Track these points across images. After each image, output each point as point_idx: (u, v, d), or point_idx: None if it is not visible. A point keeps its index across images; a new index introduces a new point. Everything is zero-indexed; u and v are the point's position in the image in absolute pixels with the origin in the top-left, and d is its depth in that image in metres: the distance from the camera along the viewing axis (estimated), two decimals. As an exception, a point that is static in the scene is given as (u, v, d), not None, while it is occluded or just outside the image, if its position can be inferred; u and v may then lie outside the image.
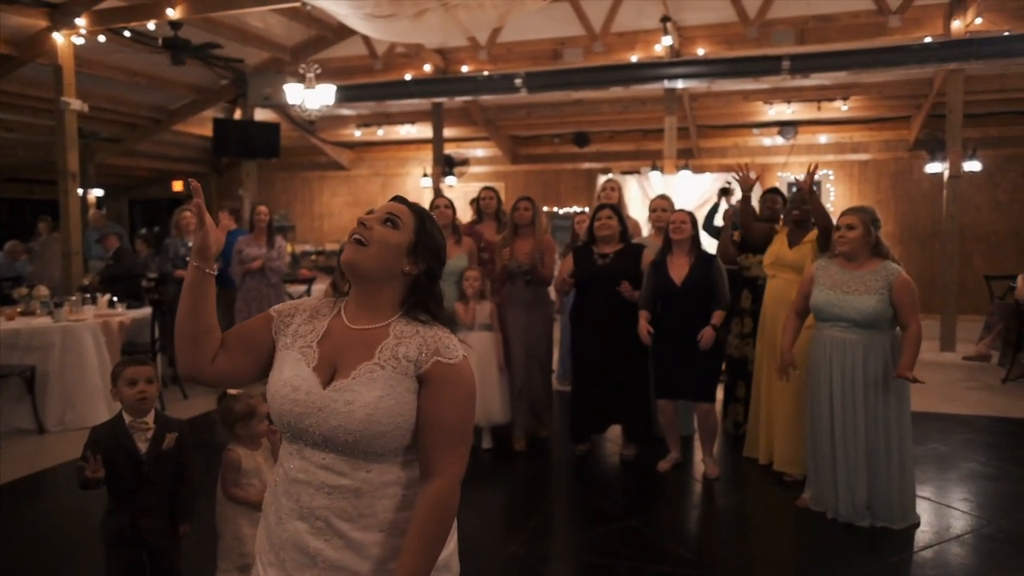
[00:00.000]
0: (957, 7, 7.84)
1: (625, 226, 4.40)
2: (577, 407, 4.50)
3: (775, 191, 4.96)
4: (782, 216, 4.51)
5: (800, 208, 4.17)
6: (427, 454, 1.44)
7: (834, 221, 3.77)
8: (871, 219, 3.40)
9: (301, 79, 7.49)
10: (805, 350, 3.78)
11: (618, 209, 4.43)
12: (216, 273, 1.49)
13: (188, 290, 1.48)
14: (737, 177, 4.44)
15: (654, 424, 4.49)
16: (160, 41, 8.04)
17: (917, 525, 3.53)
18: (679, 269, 4.10)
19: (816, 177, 3.88)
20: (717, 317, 4.05)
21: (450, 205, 4.85)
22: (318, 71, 7.37)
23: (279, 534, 1.47)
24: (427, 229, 1.52)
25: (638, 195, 8.69)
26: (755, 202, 4.98)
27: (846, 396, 3.45)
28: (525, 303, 4.71)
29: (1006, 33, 7.68)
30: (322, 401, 1.42)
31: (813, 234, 4.08)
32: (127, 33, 7.87)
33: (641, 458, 4.46)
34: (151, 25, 7.61)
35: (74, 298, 5.90)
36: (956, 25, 7.86)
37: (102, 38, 7.71)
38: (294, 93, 7.43)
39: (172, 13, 7.12)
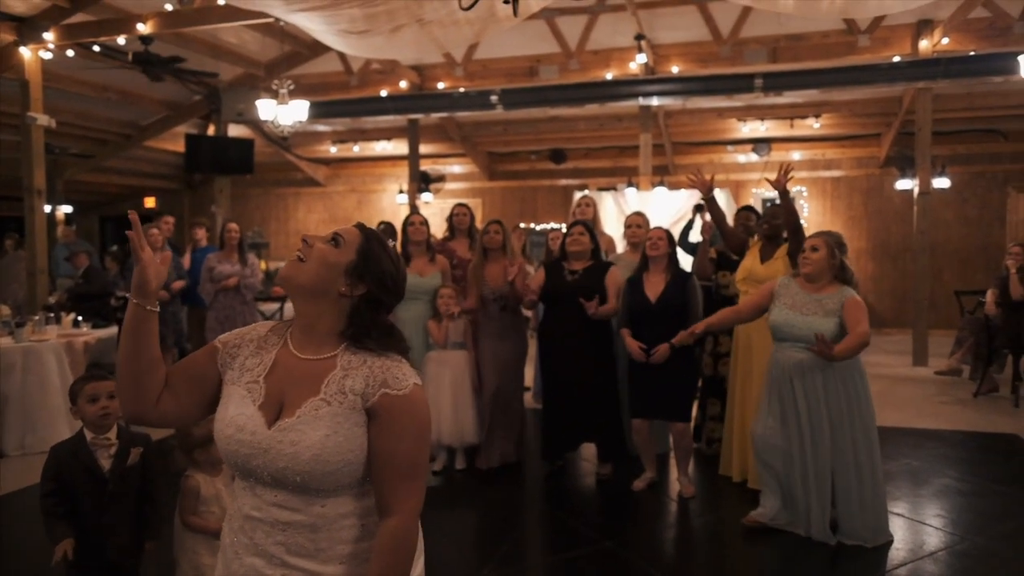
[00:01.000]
0: (924, 27, 8.00)
1: (597, 243, 4.37)
2: (548, 424, 4.43)
3: (749, 208, 5.00)
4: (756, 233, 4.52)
5: (770, 223, 4.19)
6: (380, 490, 1.39)
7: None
8: (836, 243, 3.42)
9: (274, 95, 7.42)
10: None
11: (590, 226, 4.39)
12: (158, 309, 1.42)
13: (128, 329, 1.40)
14: (693, 180, 4.42)
15: (628, 441, 4.44)
16: (130, 56, 7.93)
17: (891, 543, 3.50)
18: (655, 287, 4.08)
19: (789, 183, 3.91)
20: (679, 338, 3.94)
21: (425, 222, 4.79)
22: (291, 87, 7.31)
23: (236, 570, 1.42)
24: (373, 252, 1.45)
25: (614, 212, 8.71)
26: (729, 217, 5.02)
27: (813, 417, 3.43)
28: (499, 331, 4.56)
29: (972, 53, 7.84)
30: (268, 442, 1.36)
31: (784, 249, 4.09)
32: (96, 48, 7.76)
33: (616, 477, 4.40)
34: (121, 40, 7.51)
35: (37, 317, 5.74)
36: (924, 45, 8.01)
37: (71, 52, 7.59)
38: (267, 109, 7.36)
39: (143, 28, 7.03)
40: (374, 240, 1.47)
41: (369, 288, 1.44)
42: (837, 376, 3.40)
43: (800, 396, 3.44)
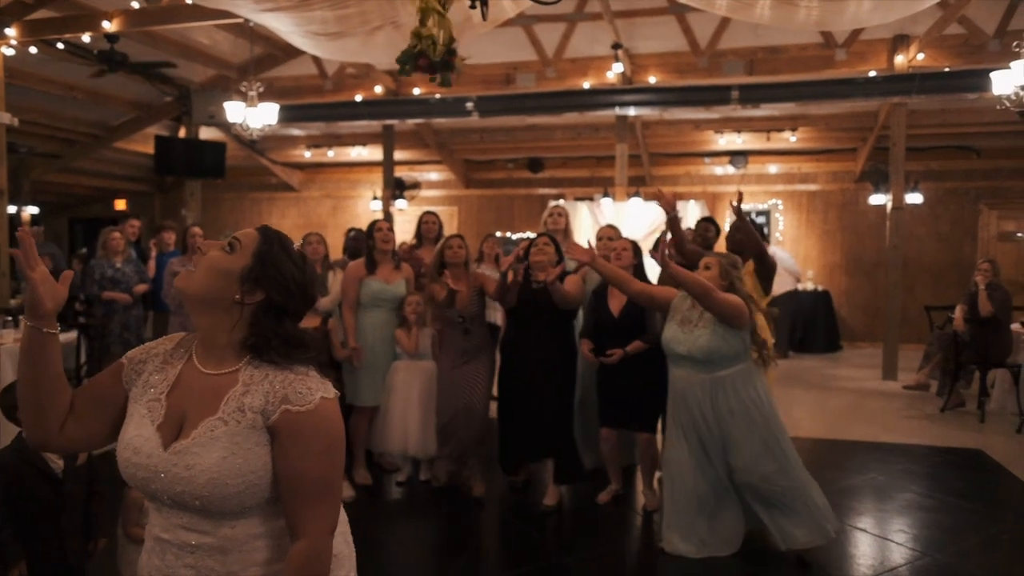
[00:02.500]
0: (900, 43, 8.05)
1: (561, 256, 4.18)
2: (505, 434, 4.25)
3: (708, 219, 4.98)
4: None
5: (733, 238, 4.15)
6: (287, 512, 1.30)
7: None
8: (730, 264, 3.40)
9: (244, 97, 7.30)
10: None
11: (555, 239, 4.25)
12: (56, 331, 1.32)
13: (24, 354, 1.30)
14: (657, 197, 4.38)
15: (586, 460, 4.34)
16: (96, 54, 7.77)
17: (849, 553, 3.45)
18: (618, 299, 4.01)
19: (757, 205, 3.92)
20: (633, 346, 3.92)
21: (391, 229, 4.68)
22: (260, 89, 7.20)
23: None
24: (272, 255, 1.35)
25: (589, 222, 8.67)
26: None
27: (707, 432, 3.38)
28: (461, 352, 4.22)
29: (947, 69, 7.90)
30: (163, 465, 1.27)
31: (750, 266, 4.06)
32: (61, 45, 7.59)
33: (581, 490, 4.31)
34: (87, 38, 7.35)
35: (9, 319, 5.58)
36: (899, 60, 8.06)
37: (34, 49, 7.41)
38: (235, 111, 7.24)
39: (108, 26, 6.88)
40: (274, 243, 1.37)
41: (268, 294, 1.34)
42: (728, 393, 3.33)
43: (696, 413, 3.39)
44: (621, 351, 3.89)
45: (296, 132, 10.53)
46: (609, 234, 4.63)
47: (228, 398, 1.30)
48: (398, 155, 10.35)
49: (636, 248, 4.13)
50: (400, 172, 10.66)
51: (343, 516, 1.53)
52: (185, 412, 1.32)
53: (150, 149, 10.21)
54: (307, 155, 11.60)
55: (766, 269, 4.21)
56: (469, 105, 8.71)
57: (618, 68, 8.35)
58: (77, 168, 11.19)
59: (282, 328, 1.34)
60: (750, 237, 4.07)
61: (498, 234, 11.12)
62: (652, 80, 8.76)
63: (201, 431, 1.28)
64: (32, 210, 11.11)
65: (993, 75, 5.90)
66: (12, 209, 10.68)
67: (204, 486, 1.25)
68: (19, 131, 7.74)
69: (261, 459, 1.28)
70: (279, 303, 1.35)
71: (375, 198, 10.84)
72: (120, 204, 12.47)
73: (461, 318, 4.20)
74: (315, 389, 1.30)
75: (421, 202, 10.91)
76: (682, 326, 3.39)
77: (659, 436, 3.99)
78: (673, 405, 3.50)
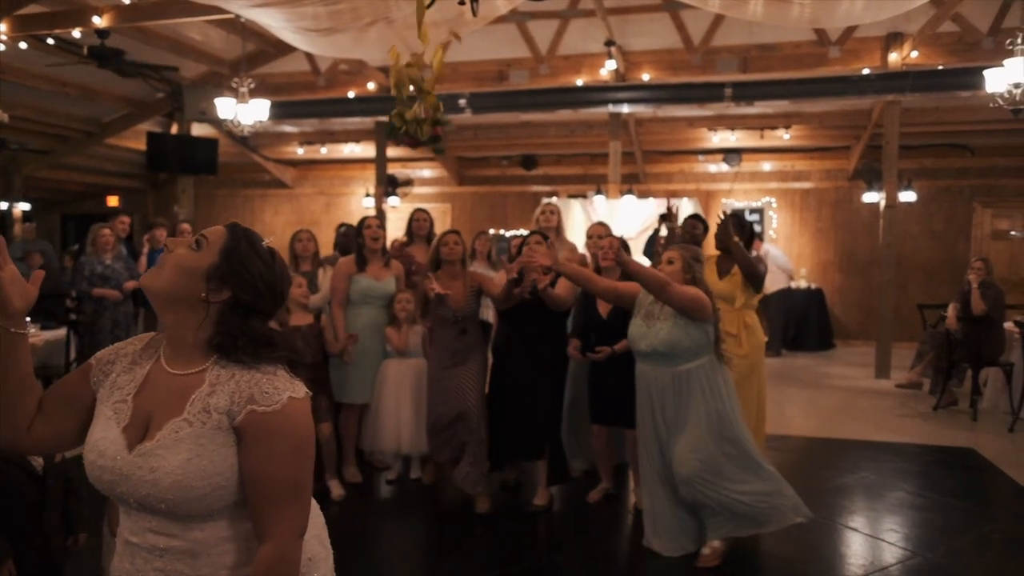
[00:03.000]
0: (894, 40, 8.05)
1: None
2: (496, 433, 4.17)
3: (696, 217, 4.99)
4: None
5: (720, 237, 4.14)
6: (253, 514, 1.27)
7: (779, 251, 3.77)
8: (693, 257, 3.38)
9: (235, 93, 7.26)
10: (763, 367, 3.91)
11: (548, 237, 4.21)
12: (24, 331, 1.29)
13: None
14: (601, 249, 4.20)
15: (575, 461, 4.33)
16: (86, 50, 7.72)
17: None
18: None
19: (751, 202, 3.92)
20: (621, 345, 3.87)
21: (381, 226, 4.65)
22: (252, 85, 7.15)
23: None
24: (239, 252, 1.32)
25: (582, 219, 8.63)
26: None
27: (668, 431, 3.36)
28: (452, 352, 4.09)
29: (940, 67, 7.90)
30: (128, 468, 1.25)
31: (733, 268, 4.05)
32: (51, 41, 7.54)
33: (572, 489, 4.29)
34: (77, 33, 7.30)
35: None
36: (893, 58, 8.06)
37: (23, 45, 7.36)
38: (226, 107, 7.19)
39: (99, 21, 6.84)
40: (241, 240, 1.34)
41: (234, 293, 1.31)
42: (691, 382, 3.30)
43: (657, 408, 3.38)
44: (609, 348, 3.87)
45: (289, 129, 10.48)
46: (599, 232, 4.59)
47: (194, 399, 1.27)
48: (391, 152, 10.31)
49: (623, 246, 4.10)
50: (393, 169, 10.62)
51: (319, 518, 1.50)
52: (152, 413, 1.29)
53: (142, 145, 10.17)
54: (300, 152, 11.55)
55: (757, 283, 4.18)
56: (462, 102, 8.67)
57: (611, 65, 8.33)
58: (69, 164, 11.12)
59: (249, 327, 1.31)
60: (749, 270, 4.05)
61: (491, 231, 11.13)
62: (646, 77, 8.75)
63: (166, 433, 1.26)
64: (24, 206, 11.04)
65: (986, 73, 5.90)
66: (3, 205, 10.65)
67: (169, 489, 1.23)
68: (10, 127, 7.70)
69: (227, 461, 1.25)
70: (246, 302, 1.32)
71: (368, 195, 10.80)
72: (113, 201, 12.39)
73: (456, 318, 4.08)
74: (282, 389, 1.27)
75: (414, 199, 10.87)
76: (646, 320, 3.38)
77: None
78: (639, 402, 3.49)
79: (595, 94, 8.57)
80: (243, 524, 1.31)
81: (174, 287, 1.30)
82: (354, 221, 7.16)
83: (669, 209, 6.69)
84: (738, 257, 4.03)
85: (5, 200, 10.70)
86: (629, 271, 3.30)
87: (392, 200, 10.17)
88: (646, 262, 5.88)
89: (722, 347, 3.38)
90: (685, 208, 8.45)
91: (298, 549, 1.30)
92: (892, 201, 8.04)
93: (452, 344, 4.09)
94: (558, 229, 5.24)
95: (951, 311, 6.46)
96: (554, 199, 8.92)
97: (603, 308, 3.99)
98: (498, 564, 3.50)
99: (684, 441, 3.29)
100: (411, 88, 4.33)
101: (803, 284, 10.03)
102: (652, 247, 6.19)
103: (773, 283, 9.15)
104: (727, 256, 4.17)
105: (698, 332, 3.26)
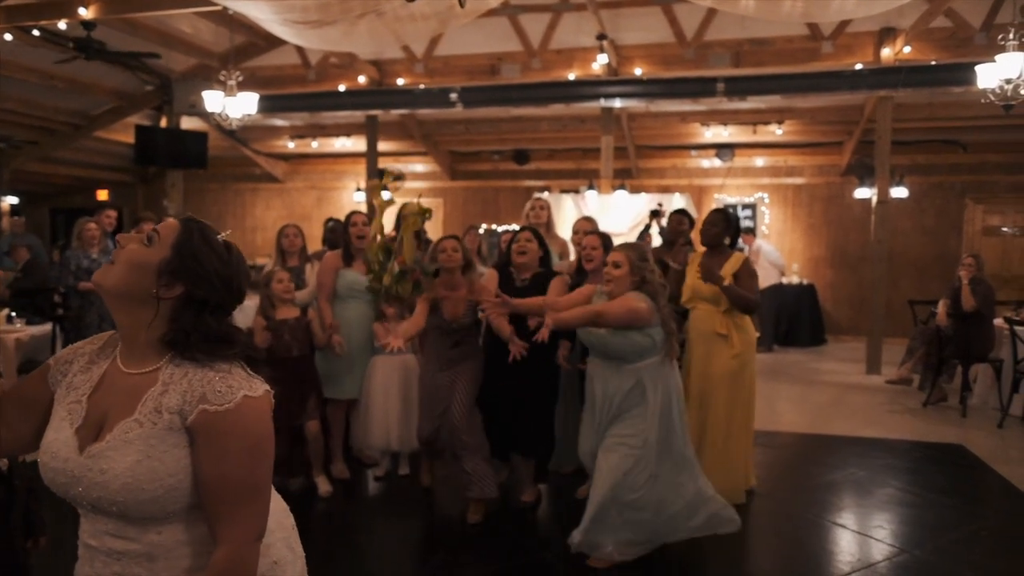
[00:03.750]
0: (887, 35, 8.02)
1: (547, 250, 4.07)
2: (489, 428, 4.06)
3: (682, 212, 4.93)
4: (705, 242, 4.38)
5: (708, 232, 4.09)
6: (208, 517, 1.24)
7: (771, 247, 3.72)
8: (639, 257, 3.25)
9: (223, 86, 7.19)
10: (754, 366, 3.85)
11: (538, 232, 4.10)
12: None
13: None
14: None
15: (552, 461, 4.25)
16: (72, 43, 7.63)
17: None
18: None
19: (743, 198, 3.85)
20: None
21: (367, 222, 4.60)
22: (239, 78, 7.08)
23: None
24: (192, 246, 1.28)
25: (573, 215, 8.58)
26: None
27: (601, 420, 3.32)
28: (446, 360, 3.87)
29: (933, 63, 7.87)
30: (79, 470, 1.22)
31: (728, 270, 3.98)
32: (36, 32, 7.45)
33: (561, 486, 4.25)
34: (62, 25, 7.21)
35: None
36: (886, 53, 8.03)
37: (9, 36, 7.28)
38: (214, 100, 7.12)
39: (84, 12, 6.75)
40: (194, 233, 1.30)
41: (187, 288, 1.27)
42: (636, 381, 3.23)
43: (600, 403, 3.33)
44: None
45: (279, 122, 10.41)
46: (585, 227, 4.55)
47: (146, 398, 1.24)
48: (383, 146, 10.26)
49: (607, 244, 4.00)
50: (385, 163, 10.55)
51: (288, 520, 1.47)
52: (106, 414, 1.26)
53: (131, 139, 10.08)
54: (291, 146, 11.48)
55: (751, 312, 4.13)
56: (453, 96, 8.62)
57: (603, 59, 8.28)
58: (58, 158, 11.03)
59: (204, 323, 1.27)
60: (737, 302, 3.95)
61: (484, 227, 11.09)
62: (638, 72, 8.70)
63: (116, 434, 1.22)
64: (12, 200, 10.94)
65: (978, 68, 5.87)
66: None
67: (119, 491, 1.20)
68: (-4, 120, 7.63)
69: (180, 462, 1.22)
70: (201, 297, 1.28)
71: (359, 189, 10.73)
72: (102, 195, 12.30)
73: (451, 328, 3.78)
74: (237, 388, 1.23)
75: (406, 194, 10.76)
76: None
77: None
78: (587, 393, 3.45)
79: (587, 88, 8.53)
80: (201, 527, 1.27)
81: (125, 283, 1.26)
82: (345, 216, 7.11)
83: (660, 205, 6.70)
84: (732, 299, 3.91)
85: (-9, 194, 10.61)
86: (559, 325, 3.15)
87: (384, 195, 10.09)
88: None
89: (674, 344, 3.29)
90: (677, 204, 8.43)
91: (254, 553, 1.26)
92: (884, 197, 8.03)
93: (445, 352, 3.86)
94: (548, 224, 5.22)
95: (941, 307, 6.46)
96: (545, 194, 8.86)
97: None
98: (487, 561, 3.48)
99: (616, 431, 3.24)
100: (380, 257, 4.23)
101: (795, 280, 10.03)
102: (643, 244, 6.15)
103: (764, 279, 9.12)
104: (713, 253, 4.08)
105: (641, 337, 3.17)
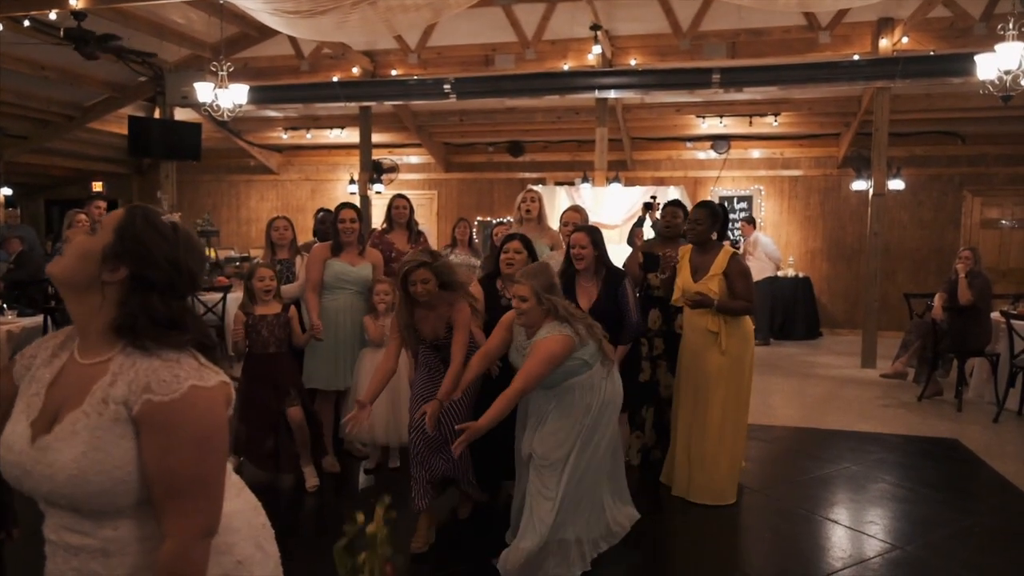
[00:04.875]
0: (885, 26, 7.94)
1: (535, 257, 3.80)
2: (480, 457, 3.77)
3: (676, 203, 4.72)
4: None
5: (695, 227, 4.00)
6: (155, 511, 1.22)
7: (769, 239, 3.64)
8: (543, 286, 3.04)
9: (215, 77, 7.13)
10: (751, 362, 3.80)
11: (528, 241, 3.83)
12: None
13: None
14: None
15: None
16: (62, 32, 7.54)
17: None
18: (587, 293, 3.85)
19: (739, 190, 3.76)
20: (619, 355, 3.73)
21: (355, 219, 4.53)
22: (230, 69, 7.01)
23: None
24: (134, 227, 1.27)
25: (566, 207, 8.54)
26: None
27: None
28: (434, 372, 3.55)
29: (932, 53, 7.80)
30: (29, 463, 1.21)
31: (717, 268, 3.91)
32: (27, 23, 7.37)
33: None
34: (53, 15, 7.13)
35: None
36: (884, 44, 7.95)
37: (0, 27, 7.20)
38: (205, 91, 7.06)
39: (74, 2, 6.67)
40: (137, 217, 1.29)
41: (131, 270, 1.25)
42: (567, 395, 3.13)
43: (532, 418, 3.21)
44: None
45: (273, 114, 10.34)
46: (574, 219, 4.47)
47: (95, 389, 1.22)
48: (377, 138, 10.18)
49: (595, 238, 3.89)
50: (379, 155, 10.50)
51: (259, 518, 1.43)
52: (61, 406, 1.25)
53: (125, 130, 10.01)
54: (285, 137, 11.41)
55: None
56: (447, 87, 8.54)
57: (598, 50, 8.20)
58: (52, 149, 10.97)
59: (150, 305, 1.24)
60: (730, 309, 3.88)
61: (479, 219, 11.03)
62: (633, 62, 8.63)
63: (64, 425, 1.21)
64: (6, 192, 10.87)
65: (977, 58, 5.80)
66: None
67: (66, 484, 1.18)
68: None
69: (127, 454, 1.19)
70: (147, 278, 1.26)
71: (352, 181, 10.67)
72: (97, 186, 12.22)
73: (434, 344, 3.45)
74: (184, 377, 1.20)
75: (400, 185, 10.73)
76: (518, 352, 3.18)
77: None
78: (518, 411, 3.29)
79: (582, 79, 8.45)
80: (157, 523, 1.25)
81: (72, 271, 1.27)
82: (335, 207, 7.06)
83: (653, 198, 6.63)
84: (727, 312, 3.84)
85: (-14, 186, 10.54)
86: (492, 419, 2.97)
87: (377, 187, 10.04)
88: (628, 251, 5.78)
89: (608, 348, 3.16)
90: (672, 196, 8.37)
91: (201, 549, 1.22)
92: (880, 189, 7.97)
93: (434, 363, 3.54)
94: (540, 216, 5.16)
95: (937, 301, 6.41)
96: (539, 187, 8.80)
97: (584, 301, 3.86)
98: (478, 553, 3.42)
99: (542, 448, 3.13)
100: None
101: (790, 273, 9.97)
102: (633, 237, 6.09)
103: (760, 272, 9.09)
104: (702, 250, 3.98)
105: (571, 362, 3.05)
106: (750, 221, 9.43)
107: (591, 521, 3.21)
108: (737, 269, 3.89)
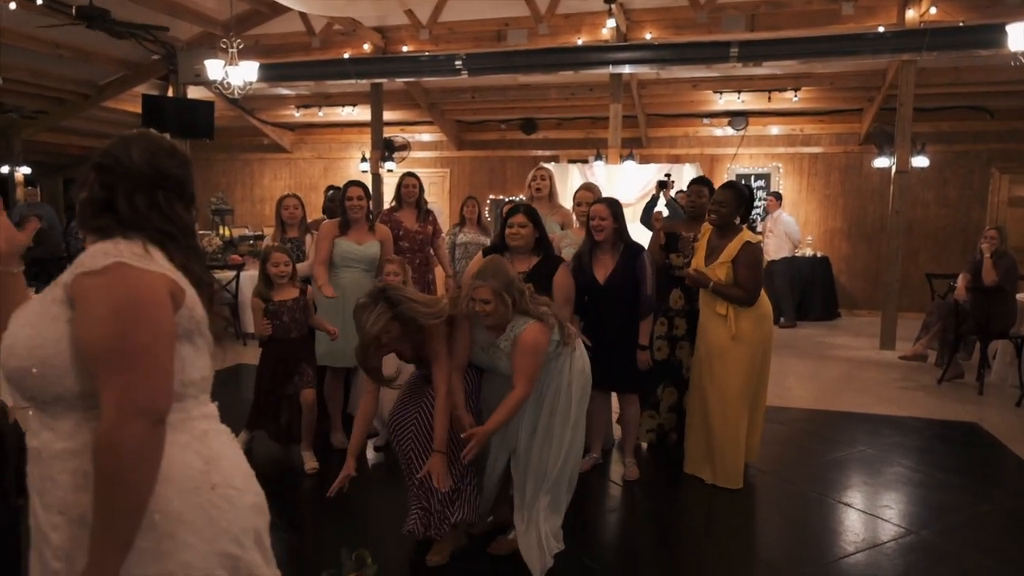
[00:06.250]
0: (912, -4, 7.67)
1: (543, 232, 3.69)
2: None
3: (701, 181, 4.52)
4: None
5: (718, 210, 3.87)
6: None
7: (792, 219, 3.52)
8: (503, 285, 2.90)
9: (225, 55, 7.07)
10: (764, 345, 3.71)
11: (535, 214, 3.67)
12: (16, 270, 1.43)
13: None
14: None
15: None
16: (74, 10, 7.52)
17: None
18: (604, 266, 3.82)
19: (757, 168, 3.62)
20: (644, 334, 3.77)
21: (363, 197, 4.48)
22: (240, 46, 6.95)
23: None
24: (112, 153, 1.33)
25: (579, 185, 8.42)
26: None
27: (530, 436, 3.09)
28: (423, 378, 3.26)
29: (960, 24, 7.52)
30: (3, 356, 1.26)
31: (728, 254, 3.80)
32: (39, 1, 7.34)
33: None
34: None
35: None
36: (910, 15, 7.68)
37: (13, 5, 7.18)
38: (215, 69, 7.00)
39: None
40: (120, 143, 1.37)
41: (98, 173, 1.32)
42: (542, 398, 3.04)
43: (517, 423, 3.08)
44: (644, 354, 3.84)
45: (285, 91, 10.27)
46: (587, 198, 4.35)
47: (59, 279, 1.26)
48: (388, 116, 10.09)
49: (616, 211, 3.85)
50: (391, 133, 10.40)
51: (222, 435, 1.37)
52: None
53: (140, 108, 10.01)
54: (297, 115, 11.35)
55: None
56: (458, 63, 8.40)
57: (612, 24, 8.01)
58: (69, 128, 11.04)
59: (113, 200, 1.30)
60: (728, 298, 3.80)
61: (491, 197, 10.94)
62: (648, 36, 8.43)
63: (18, 312, 1.26)
64: (25, 170, 10.97)
65: (1009, 28, 5.57)
66: (5, 169, 10.57)
67: (16, 371, 1.21)
68: (5, 89, 7.55)
69: (54, 334, 1.19)
70: (110, 175, 1.32)
71: (364, 159, 10.60)
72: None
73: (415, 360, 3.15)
74: (115, 254, 1.20)
75: (412, 163, 10.65)
76: (484, 352, 3.04)
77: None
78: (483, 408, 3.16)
79: (596, 54, 8.26)
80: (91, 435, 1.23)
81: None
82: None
83: (668, 176, 6.47)
84: (722, 297, 3.77)
85: (5, 164, 10.62)
86: (492, 430, 2.89)
87: (388, 165, 9.96)
88: (643, 231, 5.66)
89: (570, 329, 3.07)
90: (687, 174, 8.21)
91: (135, 428, 1.14)
92: (904, 166, 7.74)
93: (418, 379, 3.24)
94: (551, 194, 5.08)
95: (961, 281, 6.23)
96: (552, 164, 8.67)
97: (600, 274, 3.83)
98: (486, 533, 3.38)
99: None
100: None
101: (808, 252, 9.78)
102: (649, 215, 5.95)
103: (777, 250, 8.92)
104: (721, 233, 3.86)
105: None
106: (777, 196, 9.22)
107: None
108: (745, 258, 3.74)
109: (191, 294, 1.30)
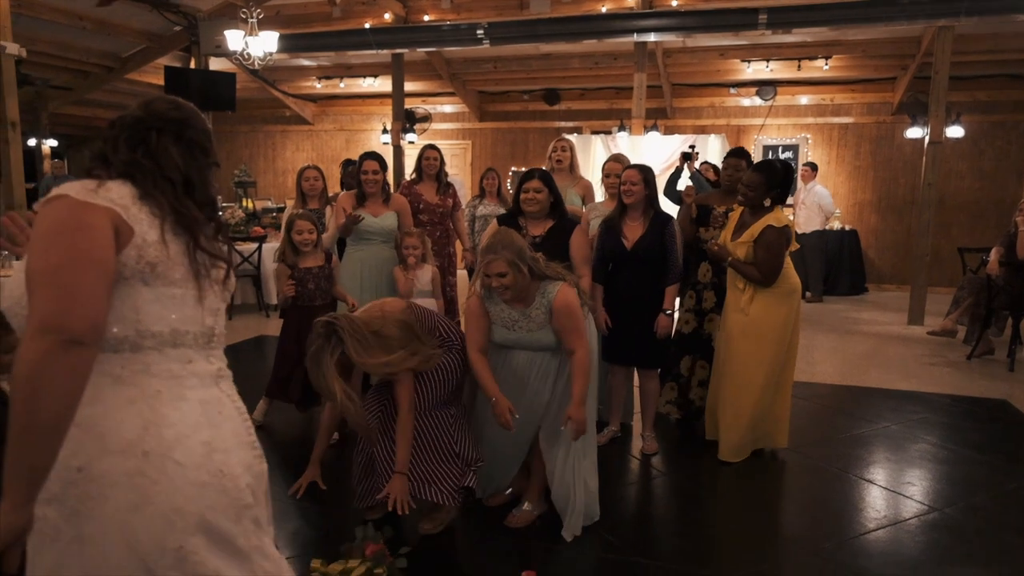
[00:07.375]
0: (950, -42, 7.37)
1: (558, 196, 3.69)
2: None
3: (739, 153, 4.32)
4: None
5: (748, 192, 3.78)
6: None
7: (826, 191, 3.46)
8: (515, 255, 2.86)
9: (245, 24, 7.03)
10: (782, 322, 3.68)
11: (549, 179, 3.67)
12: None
13: None
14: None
15: None
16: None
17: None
18: (632, 231, 3.81)
19: (785, 139, 3.52)
20: (669, 300, 3.76)
21: (378, 171, 4.45)
22: (260, 16, 6.90)
23: None
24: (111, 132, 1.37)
25: (602, 157, 8.29)
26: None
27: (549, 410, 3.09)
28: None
29: (1004, -15, 7.22)
30: None
31: (750, 235, 3.72)
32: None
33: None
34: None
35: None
36: (947, -21, 7.39)
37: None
38: (235, 39, 6.97)
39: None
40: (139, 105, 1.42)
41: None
42: (560, 363, 3.04)
43: (541, 391, 3.08)
44: (666, 318, 3.79)
45: (306, 62, 10.22)
46: (615, 169, 4.27)
47: None
48: (410, 87, 10.01)
49: (647, 176, 3.80)
50: (412, 104, 10.33)
51: (187, 402, 1.29)
52: None
53: (162, 81, 10.03)
54: (318, 86, 11.31)
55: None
56: (480, 32, 8.28)
57: (637, -10, 7.84)
58: (93, 100, 11.09)
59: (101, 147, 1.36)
60: (743, 274, 3.76)
61: (513, 169, 10.85)
62: (674, 3, 8.22)
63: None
64: (52, 143, 11.10)
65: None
66: (32, 142, 10.70)
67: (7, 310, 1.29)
68: (30, 62, 7.59)
69: (20, 269, 1.24)
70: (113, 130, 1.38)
71: (385, 131, 10.55)
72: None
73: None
74: (64, 190, 1.22)
75: (433, 135, 10.58)
76: (511, 329, 3.01)
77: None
78: (510, 387, 3.06)
79: (620, 22, 8.09)
80: None
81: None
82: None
83: (692, 147, 6.34)
84: (744, 273, 3.72)
85: (33, 136, 10.75)
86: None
87: (410, 136, 9.90)
88: (668, 203, 5.56)
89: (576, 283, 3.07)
90: (712, 145, 8.05)
91: (34, 347, 1.10)
92: (938, 137, 7.51)
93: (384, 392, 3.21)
94: (571, 166, 5.02)
95: (993, 255, 6.07)
96: (574, 136, 8.56)
97: (629, 239, 3.81)
98: (500, 509, 3.39)
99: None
100: None
101: (836, 225, 9.58)
102: (673, 188, 5.85)
103: (807, 222, 8.75)
104: (752, 212, 3.78)
105: None
106: (813, 167, 9.01)
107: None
108: (765, 240, 3.67)
109: (148, 235, 1.26)
